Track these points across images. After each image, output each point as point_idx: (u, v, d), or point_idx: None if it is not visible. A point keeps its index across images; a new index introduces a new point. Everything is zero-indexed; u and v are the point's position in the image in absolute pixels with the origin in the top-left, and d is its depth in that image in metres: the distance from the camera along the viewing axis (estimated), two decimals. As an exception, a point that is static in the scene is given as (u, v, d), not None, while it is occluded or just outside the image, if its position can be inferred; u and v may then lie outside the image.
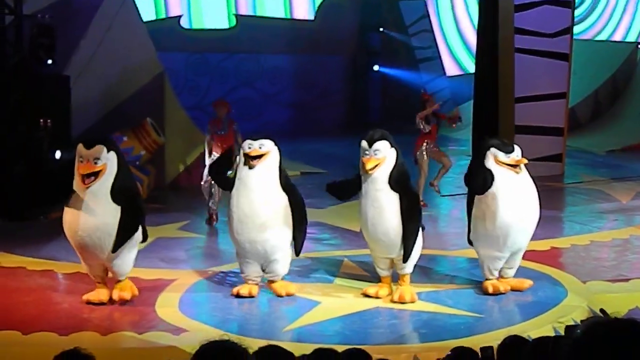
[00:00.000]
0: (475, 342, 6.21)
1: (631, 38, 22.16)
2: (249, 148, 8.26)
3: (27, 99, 11.68)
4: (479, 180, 8.36)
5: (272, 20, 19.98)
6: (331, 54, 21.05)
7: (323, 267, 9.41)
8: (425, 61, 22.13)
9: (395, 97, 20.81)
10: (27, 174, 11.48)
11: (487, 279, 8.52)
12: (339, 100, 21.31)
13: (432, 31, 22.01)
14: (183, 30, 18.62)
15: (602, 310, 3.27)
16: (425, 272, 9.20)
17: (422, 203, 11.08)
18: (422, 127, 12.30)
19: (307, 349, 4.89)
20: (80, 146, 7.99)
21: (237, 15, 19.59)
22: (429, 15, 21.96)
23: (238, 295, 8.32)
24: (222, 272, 9.30)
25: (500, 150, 8.35)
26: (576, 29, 16.68)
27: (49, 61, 11.83)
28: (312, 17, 20.78)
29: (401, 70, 21.58)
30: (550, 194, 12.67)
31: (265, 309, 8.18)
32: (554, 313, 7.84)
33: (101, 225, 7.90)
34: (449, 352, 4.62)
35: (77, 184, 7.98)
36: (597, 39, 21.91)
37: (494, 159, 8.31)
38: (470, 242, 8.70)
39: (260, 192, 8.25)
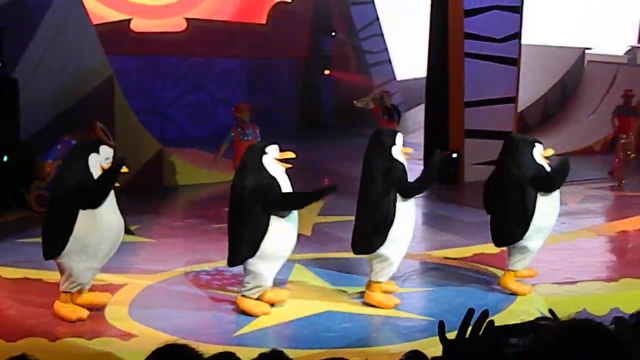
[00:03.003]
0: (426, 345, 6.24)
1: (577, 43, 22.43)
2: (276, 151, 8.35)
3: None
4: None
5: (223, 23, 19.91)
6: (283, 57, 21.04)
7: (274, 272, 9.37)
8: (376, 65, 22.24)
9: (346, 100, 20.86)
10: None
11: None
12: (291, 103, 21.31)
13: (383, 35, 22.14)
14: (134, 33, 18.47)
15: (550, 311, 3.28)
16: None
17: None
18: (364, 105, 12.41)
19: (258, 353, 4.87)
20: (107, 147, 7.99)
21: (188, 19, 19.49)
22: (379, 20, 22.07)
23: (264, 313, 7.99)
24: (172, 277, 9.25)
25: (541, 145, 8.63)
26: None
27: (-1, 64, 11.70)
28: (263, 21, 20.76)
29: (352, 74, 21.65)
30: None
31: (215, 314, 8.12)
32: (503, 316, 7.90)
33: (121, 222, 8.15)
34: (402, 356, 4.62)
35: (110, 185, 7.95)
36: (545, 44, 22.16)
37: (541, 155, 8.56)
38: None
39: None
